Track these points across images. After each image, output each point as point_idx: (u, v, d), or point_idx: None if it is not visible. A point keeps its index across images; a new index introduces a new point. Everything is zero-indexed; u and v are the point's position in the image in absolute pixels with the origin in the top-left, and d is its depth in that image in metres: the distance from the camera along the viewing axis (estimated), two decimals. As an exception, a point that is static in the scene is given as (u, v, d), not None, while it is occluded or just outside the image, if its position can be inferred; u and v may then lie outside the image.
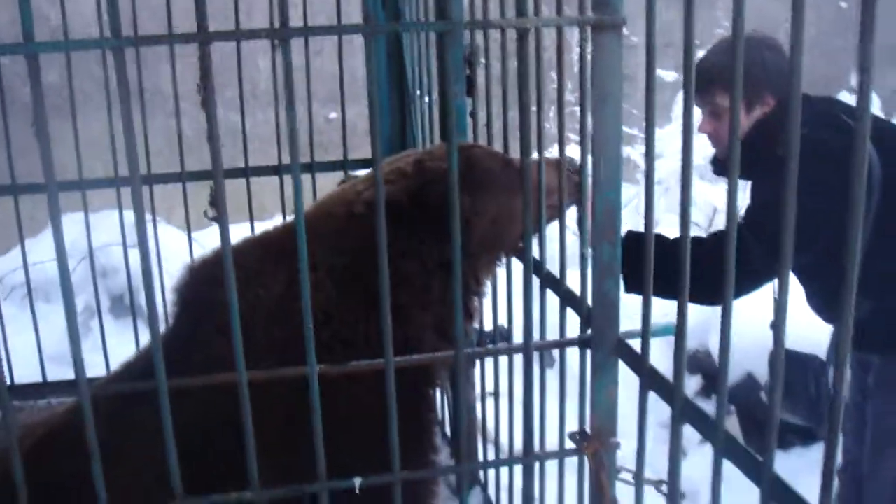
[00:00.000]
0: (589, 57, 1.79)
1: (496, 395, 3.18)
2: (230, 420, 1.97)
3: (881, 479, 3.44)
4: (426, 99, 3.61)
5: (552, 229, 2.31)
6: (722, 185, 7.14)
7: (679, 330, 1.62)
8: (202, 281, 2.28)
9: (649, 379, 1.74)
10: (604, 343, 1.83)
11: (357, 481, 1.75)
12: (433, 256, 2.25)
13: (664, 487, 1.95)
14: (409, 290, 2.21)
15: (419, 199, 2.25)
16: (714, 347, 5.05)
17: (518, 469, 2.97)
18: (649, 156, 1.65)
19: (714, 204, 6.85)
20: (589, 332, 1.88)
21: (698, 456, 4.62)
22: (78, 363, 1.56)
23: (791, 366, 3.84)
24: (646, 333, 1.75)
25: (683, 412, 1.64)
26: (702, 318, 5.03)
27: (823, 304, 3.51)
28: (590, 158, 1.85)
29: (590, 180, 1.86)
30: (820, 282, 3.44)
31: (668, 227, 5.51)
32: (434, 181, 2.26)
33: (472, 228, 2.28)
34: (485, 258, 2.37)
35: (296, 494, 1.77)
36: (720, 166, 3.45)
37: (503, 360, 3.05)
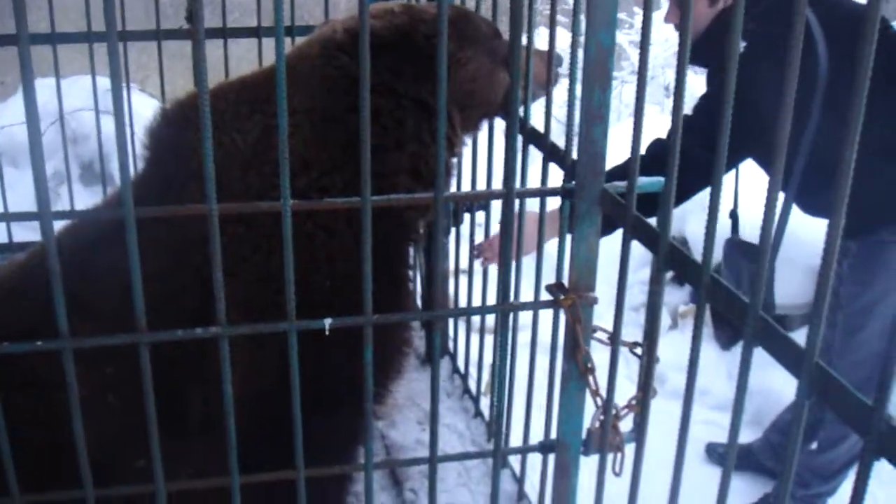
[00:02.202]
0: None
1: (469, 272, 3.15)
2: (199, 272, 1.92)
3: (852, 359, 3.48)
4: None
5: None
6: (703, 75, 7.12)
7: (668, 178, 1.57)
8: (176, 123, 2.20)
9: (633, 227, 1.69)
10: (588, 192, 1.77)
11: (327, 322, 1.70)
12: (408, 92, 2.19)
13: (639, 350, 1.93)
14: (380, 126, 2.14)
15: (403, 35, 2.18)
16: (690, 235, 5.04)
17: (489, 342, 2.98)
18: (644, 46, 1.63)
19: (695, 93, 6.75)
20: (573, 182, 1.83)
21: (667, 344, 4.64)
22: (41, 190, 1.50)
23: (741, 253, 3.87)
24: (631, 184, 1.70)
25: (668, 259, 1.60)
26: (679, 207, 5.05)
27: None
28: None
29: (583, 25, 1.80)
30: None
31: (647, 117, 5.45)
32: (422, 20, 2.21)
33: (451, 77, 2.22)
34: (458, 112, 2.30)
35: (263, 332, 1.73)
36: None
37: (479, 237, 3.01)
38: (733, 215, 4.04)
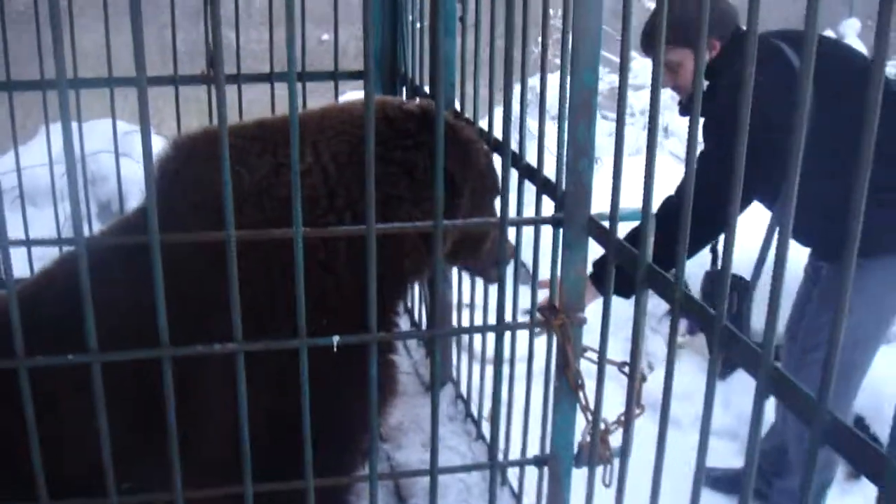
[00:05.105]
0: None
1: (471, 306, 3.29)
2: (214, 295, 2.03)
3: (804, 375, 3.63)
4: (417, 25, 3.69)
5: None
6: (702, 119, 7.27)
7: (645, 202, 1.72)
8: (181, 156, 2.33)
9: (616, 250, 1.84)
10: (575, 220, 1.93)
11: (335, 339, 1.84)
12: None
13: (626, 369, 2.06)
14: (411, 179, 2.30)
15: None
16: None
17: (489, 371, 3.10)
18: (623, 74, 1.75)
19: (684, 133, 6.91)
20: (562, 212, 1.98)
21: (658, 371, 4.77)
22: (75, 208, 1.65)
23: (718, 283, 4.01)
24: (614, 210, 1.85)
25: (646, 277, 1.74)
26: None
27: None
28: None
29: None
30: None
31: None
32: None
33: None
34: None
35: (277, 349, 1.87)
36: (684, 109, 3.82)
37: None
38: (713, 249, 4.18)
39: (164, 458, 1.89)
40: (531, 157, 2.40)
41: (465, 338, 3.41)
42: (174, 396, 1.88)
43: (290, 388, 1.91)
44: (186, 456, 1.98)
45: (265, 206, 2.21)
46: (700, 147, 3.70)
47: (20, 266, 4.16)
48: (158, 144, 5.06)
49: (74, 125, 4.10)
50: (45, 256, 4.19)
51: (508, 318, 2.24)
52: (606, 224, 1.90)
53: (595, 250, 2.02)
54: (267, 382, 2.05)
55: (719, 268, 4.11)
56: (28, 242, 2.34)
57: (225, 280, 1.73)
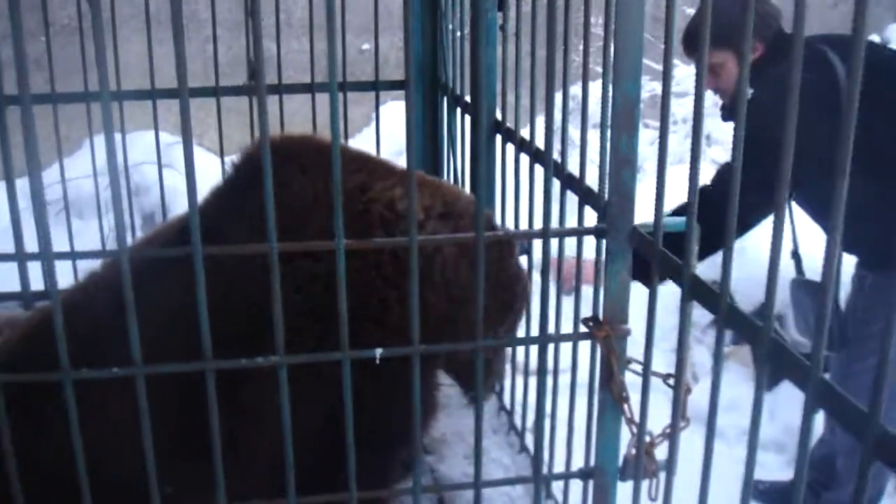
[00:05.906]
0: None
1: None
2: (258, 297, 2.03)
3: (846, 386, 3.55)
4: (458, 34, 3.68)
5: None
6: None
7: (689, 212, 1.70)
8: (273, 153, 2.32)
9: (661, 262, 1.82)
10: (619, 230, 1.91)
11: (378, 352, 1.84)
12: None
13: (671, 381, 2.04)
14: None
15: None
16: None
17: (533, 383, 3.09)
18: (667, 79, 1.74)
19: (723, 139, 6.92)
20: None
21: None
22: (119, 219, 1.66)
23: (806, 292, 3.95)
24: (658, 221, 1.83)
25: (692, 290, 1.72)
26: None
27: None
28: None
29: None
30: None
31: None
32: None
33: None
34: None
35: (319, 361, 1.86)
36: (727, 113, 3.71)
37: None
38: (795, 255, 4.11)
39: (201, 462, 1.89)
40: (573, 167, 2.39)
41: (508, 349, 3.38)
42: (225, 398, 1.87)
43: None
44: (235, 460, 1.97)
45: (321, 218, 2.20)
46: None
47: (65, 278, 4.22)
48: (201, 156, 5.12)
49: (118, 137, 4.17)
50: (90, 268, 4.26)
51: (552, 329, 2.23)
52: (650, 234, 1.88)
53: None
54: (320, 390, 2.05)
55: (803, 275, 4.09)
56: (73, 255, 2.36)
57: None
